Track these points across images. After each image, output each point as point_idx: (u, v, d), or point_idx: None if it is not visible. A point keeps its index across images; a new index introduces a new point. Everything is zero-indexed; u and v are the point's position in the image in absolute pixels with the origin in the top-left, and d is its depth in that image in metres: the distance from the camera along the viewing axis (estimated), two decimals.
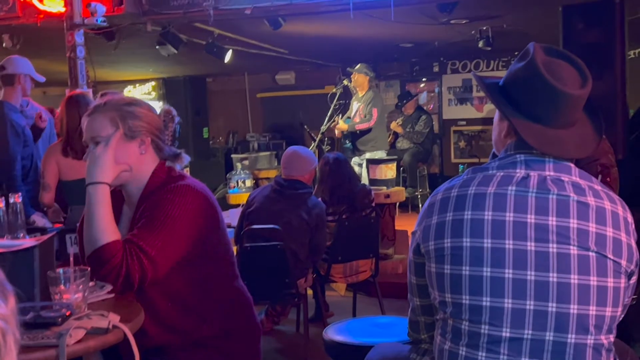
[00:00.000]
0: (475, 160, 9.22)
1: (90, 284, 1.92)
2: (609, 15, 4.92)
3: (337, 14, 5.35)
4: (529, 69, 1.62)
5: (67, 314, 1.72)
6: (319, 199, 4.36)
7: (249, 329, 2.25)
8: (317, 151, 7.17)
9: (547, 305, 1.51)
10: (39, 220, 3.85)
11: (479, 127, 9.76)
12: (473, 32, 6.91)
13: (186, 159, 2.22)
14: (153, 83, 11.60)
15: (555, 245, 1.53)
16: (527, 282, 1.52)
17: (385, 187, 5.95)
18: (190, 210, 2.04)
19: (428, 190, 8.61)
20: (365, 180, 6.44)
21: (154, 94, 11.58)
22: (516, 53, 7.76)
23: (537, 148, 1.62)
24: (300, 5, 5.22)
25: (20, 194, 2.48)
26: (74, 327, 1.67)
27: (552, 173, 1.61)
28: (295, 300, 4.16)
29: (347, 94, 7.79)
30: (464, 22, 6.40)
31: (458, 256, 1.58)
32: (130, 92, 11.41)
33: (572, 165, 1.65)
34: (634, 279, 1.61)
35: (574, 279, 1.52)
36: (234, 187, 6.88)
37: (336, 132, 7.55)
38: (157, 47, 6.28)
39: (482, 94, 9.22)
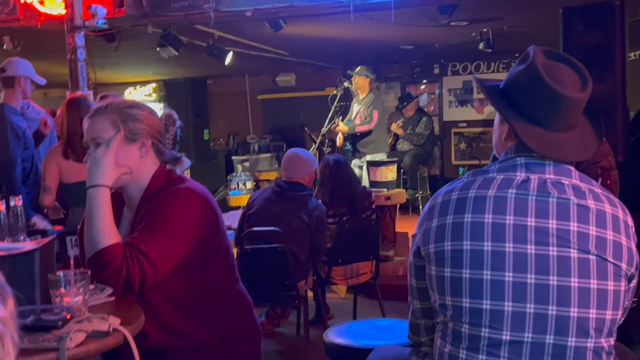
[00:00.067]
0: (476, 162, 9.22)
1: (91, 286, 1.92)
2: (609, 17, 4.92)
3: (337, 16, 5.35)
4: (529, 72, 1.63)
5: (68, 317, 1.72)
6: (319, 201, 4.36)
7: (249, 331, 2.25)
8: (317, 153, 7.16)
9: (547, 309, 1.51)
10: (39, 222, 3.85)
11: (479, 129, 9.76)
12: (473, 34, 6.92)
13: (186, 162, 2.22)
14: (154, 85, 11.59)
15: (555, 249, 1.53)
16: (527, 285, 1.52)
17: (385, 189, 5.95)
18: (191, 213, 2.04)
19: (428, 192, 8.61)
20: (365, 182, 6.43)
21: (154, 95, 11.57)
22: (517, 55, 7.79)
23: (538, 151, 1.63)
24: (300, 8, 5.22)
25: (20, 196, 2.47)
26: (74, 330, 1.67)
27: (552, 176, 1.61)
28: (296, 302, 4.16)
29: (347, 96, 7.78)
30: (464, 24, 6.40)
31: (458, 259, 1.58)
32: (130, 94, 11.42)
33: (572, 168, 1.65)
34: (634, 282, 1.61)
35: (574, 282, 1.52)
36: (235, 189, 6.87)
37: (337, 140, 7.54)
38: (157, 49, 6.29)
39: (482, 95, 9.21)
